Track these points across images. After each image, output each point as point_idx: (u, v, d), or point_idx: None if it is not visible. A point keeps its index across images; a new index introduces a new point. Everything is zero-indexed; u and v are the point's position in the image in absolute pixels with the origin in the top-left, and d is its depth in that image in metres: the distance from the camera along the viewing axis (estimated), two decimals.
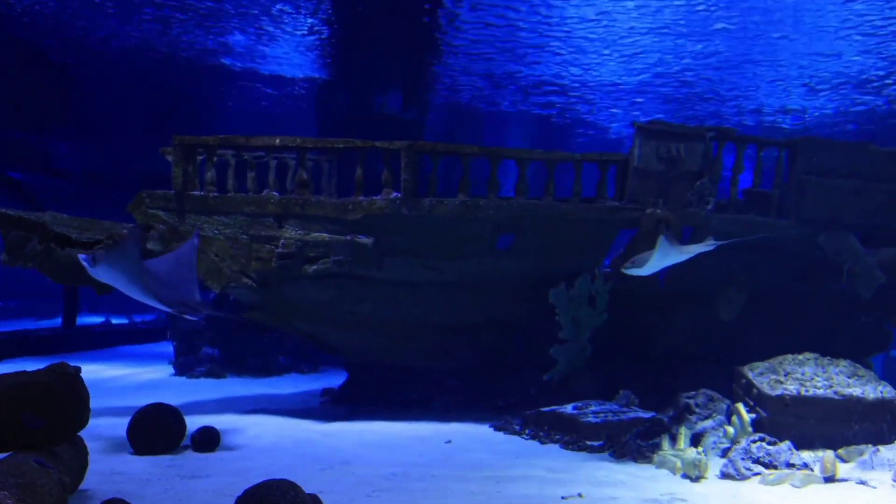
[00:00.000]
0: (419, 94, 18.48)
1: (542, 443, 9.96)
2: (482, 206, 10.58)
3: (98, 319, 27.14)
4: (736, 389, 10.12)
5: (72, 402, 6.76)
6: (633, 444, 9.19)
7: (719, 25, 14.39)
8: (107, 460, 8.35)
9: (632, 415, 10.18)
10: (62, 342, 20.06)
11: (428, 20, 14.08)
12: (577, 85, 17.84)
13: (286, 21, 14.24)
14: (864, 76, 16.70)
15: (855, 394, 9.36)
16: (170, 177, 10.91)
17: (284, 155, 12.46)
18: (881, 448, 8.86)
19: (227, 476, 7.83)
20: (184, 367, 16.32)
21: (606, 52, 15.76)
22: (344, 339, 11.97)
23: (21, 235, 10.08)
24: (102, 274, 7.92)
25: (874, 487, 7.98)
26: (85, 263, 7.74)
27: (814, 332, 11.92)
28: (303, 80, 17.36)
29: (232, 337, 16.37)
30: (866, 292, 11.91)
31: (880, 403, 9.31)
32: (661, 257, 9.33)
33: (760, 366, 10.03)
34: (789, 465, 8.30)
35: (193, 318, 8.65)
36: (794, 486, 8.04)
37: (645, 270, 9.53)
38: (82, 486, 7.15)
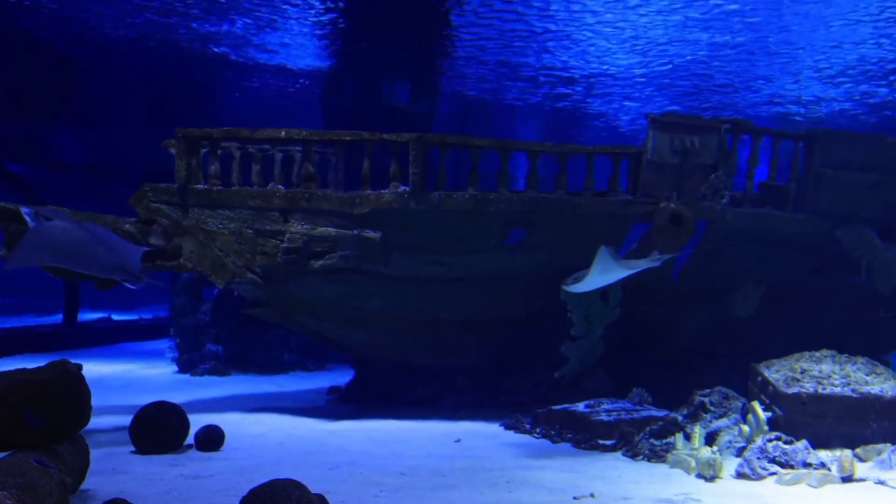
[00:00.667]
0: (428, 85, 18.37)
1: (553, 442, 9.86)
2: (492, 200, 10.43)
3: (99, 316, 27.08)
4: (751, 387, 9.97)
5: (73, 400, 6.71)
6: (646, 444, 9.11)
7: (735, 15, 14.24)
8: (109, 460, 8.29)
9: (645, 413, 10.05)
10: (63, 339, 20.05)
11: (437, 8, 13.92)
12: (588, 76, 17.73)
13: (292, 10, 14.11)
14: (887, 67, 16.51)
15: (873, 392, 9.21)
16: (173, 170, 10.84)
17: (290, 147, 12.40)
18: None
19: (232, 476, 7.77)
20: (187, 365, 16.25)
21: (618, 42, 15.62)
22: (351, 336, 11.86)
23: (21, 230, 9.94)
24: (40, 237, 7.78)
25: (893, 487, 7.85)
26: (27, 217, 7.60)
27: (831, 329, 11.81)
28: (309, 71, 17.24)
29: (237, 334, 16.29)
30: (885, 287, 11.78)
31: None
32: (601, 273, 9.21)
33: (777, 363, 9.88)
34: (806, 465, 8.21)
35: (133, 287, 8.52)
36: (810, 485, 7.93)
37: (583, 287, 9.43)
38: (84, 485, 7.09)
